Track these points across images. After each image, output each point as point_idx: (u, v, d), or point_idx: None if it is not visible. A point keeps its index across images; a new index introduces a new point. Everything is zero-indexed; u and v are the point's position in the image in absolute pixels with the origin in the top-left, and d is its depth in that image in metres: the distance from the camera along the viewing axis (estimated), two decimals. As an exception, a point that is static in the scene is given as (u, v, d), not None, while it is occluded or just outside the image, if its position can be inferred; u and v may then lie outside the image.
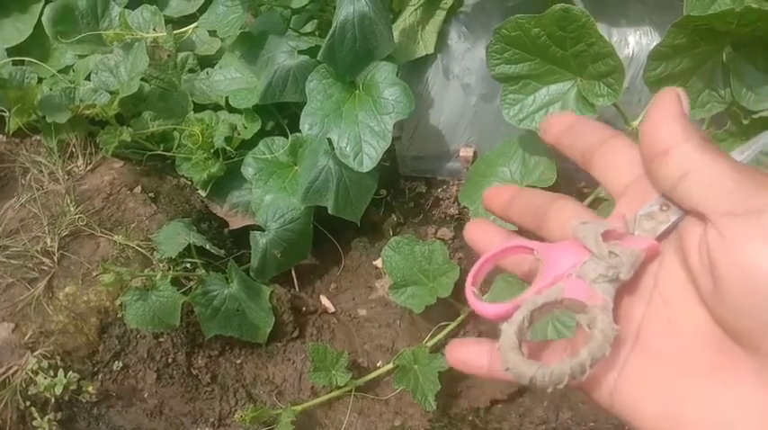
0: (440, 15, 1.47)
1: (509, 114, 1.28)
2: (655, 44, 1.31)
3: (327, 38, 1.35)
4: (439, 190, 1.55)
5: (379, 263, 1.57)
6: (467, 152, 1.48)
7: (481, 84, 1.44)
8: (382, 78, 1.40)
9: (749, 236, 0.30)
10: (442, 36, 1.47)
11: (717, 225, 0.32)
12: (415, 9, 1.49)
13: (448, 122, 1.50)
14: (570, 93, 1.23)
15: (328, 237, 1.60)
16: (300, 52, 1.53)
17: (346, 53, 1.38)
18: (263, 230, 1.46)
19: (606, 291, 0.36)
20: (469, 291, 0.42)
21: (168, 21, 1.84)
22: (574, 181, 1.45)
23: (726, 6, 1.02)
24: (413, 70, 1.51)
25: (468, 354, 0.44)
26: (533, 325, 0.38)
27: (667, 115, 0.36)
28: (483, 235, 0.48)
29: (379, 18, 1.35)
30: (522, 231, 0.46)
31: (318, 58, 1.38)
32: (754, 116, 1.09)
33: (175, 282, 1.37)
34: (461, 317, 1.43)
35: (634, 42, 1.35)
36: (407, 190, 1.57)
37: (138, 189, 1.49)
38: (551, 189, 1.34)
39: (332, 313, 1.52)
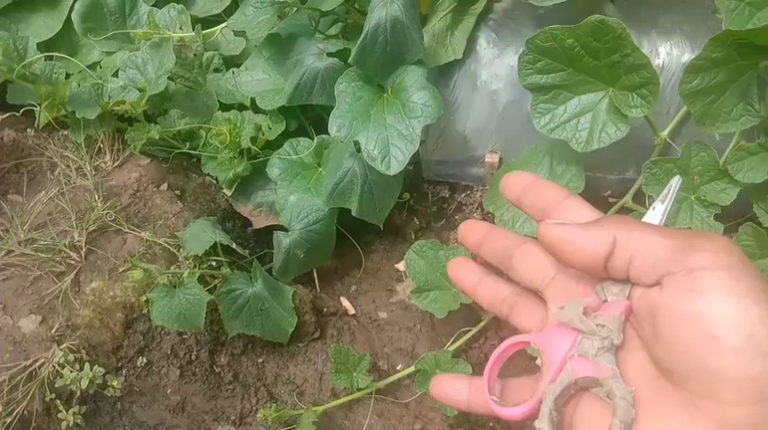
0: (469, 21, 1.47)
1: (540, 124, 1.28)
2: (686, 55, 1.32)
3: (359, 41, 1.36)
4: (462, 195, 1.55)
5: (400, 266, 1.57)
6: (492, 158, 1.48)
7: (509, 90, 1.44)
8: (411, 82, 1.40)
9: (683, 291, 0.36)
10: (470, 42, 1.48)
11: (660, 283, 0.38)
12: (445, 14, 1.50)
13: (474, 128, 1.50)
14: (602, 103, 1.23)
15: (350, 240, 1.61)
16: (329, 55, 1.54)
17: (377, 56, 1.38)
18: (287, 231, 1.47)
19: (609, 361, 0.40)
20: (489, 401, 0.46)
21: (194, 20, 1.85)
22: (599, 189, 1.45)
23: (765, 21, 1.02)
24: (441, 75, 1.51)
25: (449, 389, 0.50)
26: (559, 411, 0.42)
27: (574, 232, 0.43)
28: (462, 273, 0.54)
29: (410, 22, 1.36)
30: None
31: (350, 61, 1.39)
32: (788, 131, 1.09)
33: (201, 280, 1.38)
34: (483, 322, 1.43)
35: (665, 53, 1.35)
36: (431, 194, 1.58)
37: (164, 186, 1.51)
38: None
39: (352, 315, 1.53)
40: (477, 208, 1.54)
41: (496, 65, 1.46)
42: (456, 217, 1.56)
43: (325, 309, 1.51)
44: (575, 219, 0.45)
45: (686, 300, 0.36)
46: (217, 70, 1.81)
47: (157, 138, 1.51)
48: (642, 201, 1.30)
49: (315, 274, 1.55)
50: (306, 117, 1.70)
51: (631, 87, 1.17)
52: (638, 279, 0.40)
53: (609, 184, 1.42)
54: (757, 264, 1.16)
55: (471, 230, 0.54)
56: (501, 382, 0.48)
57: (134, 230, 1.43)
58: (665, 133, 1.29)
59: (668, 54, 1.35)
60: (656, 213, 0.50)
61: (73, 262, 1.39)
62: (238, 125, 1.60)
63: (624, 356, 0.41)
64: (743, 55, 1.04)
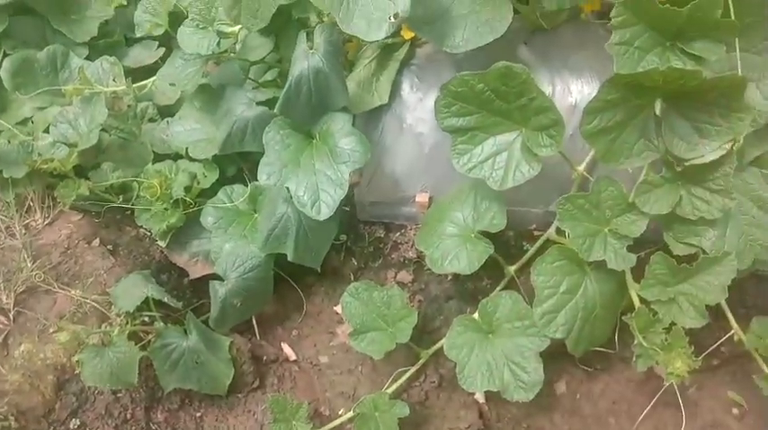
0: (393, 67, 1.52)
1: (459, 164, 1.33)
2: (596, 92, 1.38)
3: (284, 92, 1.39)
4: (397, 234, 1.58)
5: (339, 308, 1.58)
6: (422, 198, 1.52)
7: (434, 132, 1.48)
8: (338, 128, 1.44)
9: None
10: (395, 86, 1.52)
11: None
12: (369, 61, 1.55)
13: (403, 169, 1.54)
14: (516, 143, 1.28)
15: (290, 283, 1.61)
16: (258, 103, 1.57)
17: (303, 106, 1.42)
18: (223, 280, 1.46)
19: None
20: None
21: (128, 71, 1.86)
22: (525, 223, 1.49)
23: (653, 64, 1.09)
24: (369, 120, 1.55)
25: None
26: None
27: None
28: None
29: (333, 72, 1.40)
30: None
31: (275, 111, 1.42)
32: (687, 164, 1.15)
33: (133, 336, 1.37)
34: (422, 360, 1.44)
35: (577, 91, 1.41)
36: (367, 235, 1.60)
37: (96, 242, 1.49)
38: (501, 233, 1.37)
39: (293, 361, 1.52)
40: (411, 246, 1.56)
41: (420, 108, 1.51)
42: (392, 256, 1.58)
43: (264, 357, 1.50)
44: None
45: None
46: (152, 120, 1.82)
47: (88, 193, 1.50)
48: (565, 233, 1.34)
49: (254, 321, 1.55)
50: (244, 161, 1.71)
51: (540, 128, 1.22)
52: None
53: (534, 218, 1.47)
54: (670, 291, 1.21)
55: None
56: None
57: (64, 289, 1.41)
58: (581, 167, 1.34)
59: (580, 92, 1.41)
60: None
61: (1, 325, 1.36)
62: (171, 175, 1.60)
63: None
64: (638, 95, 1.10)
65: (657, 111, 1.12)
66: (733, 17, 1.05)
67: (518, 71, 1.19)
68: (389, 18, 1.22)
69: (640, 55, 1.09)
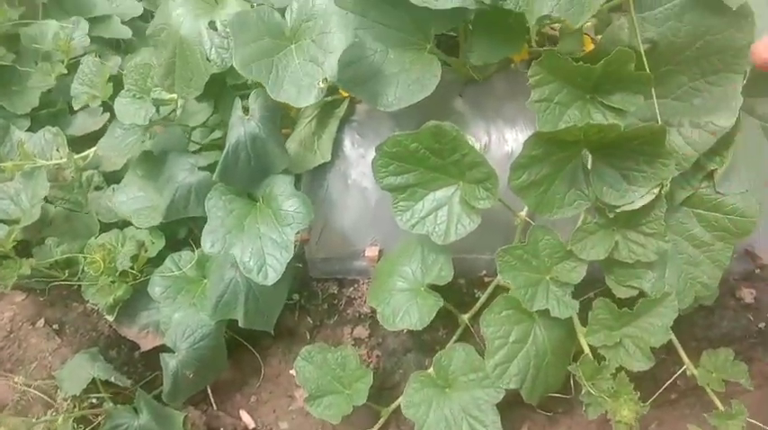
0: (333, 124, 1.53)
1: (402, 220, 1.33)
2: (531, 140, 1.40)
3: (222, 159, 1.39)
4: (350, 289, 1.57)
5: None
6: (372, 252, 1.51)
7: (378, 186, 1.48)
8: (281, 191, 1.43)
9: None
10: (337, 143, 1.53)
11: None
12: (310, 120, 1.56)
13: (352, 224, 1.54)
14: (455, 197, 1.29)
15: (246, 346, 1.58)
16: (201, 168, 1.56)
17: (242, 172, 1.41)
18: (174, 351, 1.43)
19: None
20: None
21: (73, 139, 1.84)
22: (475, 270, 1.49)
23: (575, 118, 1.11)
24: (314, 177, 1.55)
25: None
26: None
27: None
28: None
29: (270, 137, 1.40)
30: None
31: (214, 179, 1.41)
32: (617, 211, 1.17)
33: (82, 420, 1.32)
34: (382, 420, 1.42)
35: (512, 139, 1.44)
36: (320, 292, 1.59)
37: (41, 322, 1.45)
38: (452, 281, 1.37)
39: (252, 429, 1.49)
40: (365, 301, 1.55)
41: (363, 164, 1.52)
42: (347, 312, 1.57)
43: (221, 429, 1.46)
44: None
45: None
46: (98, 188, 1.80)
47: (30, 273, 1.47)
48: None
49: (209, 391, 1.51)
50: (194, 222, 1.69)
51: (476, 181, 1.23)
52: None
53: (483, 265, 1.47)
54: (615, 334, 1.21)
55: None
56: None
57: (7, 376, 1.37)
58: (523, 213, 1.35)
59: (515, 140, 1.44)
60: None
61: (-61, 420, 1.31)
62: (117, 245, 1.57)
63: None
64: (562, 148, 1.12)
65: (588, 164, 1.15)
66: (647, 69, 1.09)
67: (448, 129, 1.20)
68: (318, 83, 1.24)
69: (561, 110, 1.12)
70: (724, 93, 1.11)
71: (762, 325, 1.46)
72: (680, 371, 1.33)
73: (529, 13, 1.06)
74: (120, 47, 2.33)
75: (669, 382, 1.38)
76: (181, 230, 1.72)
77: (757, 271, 1.46)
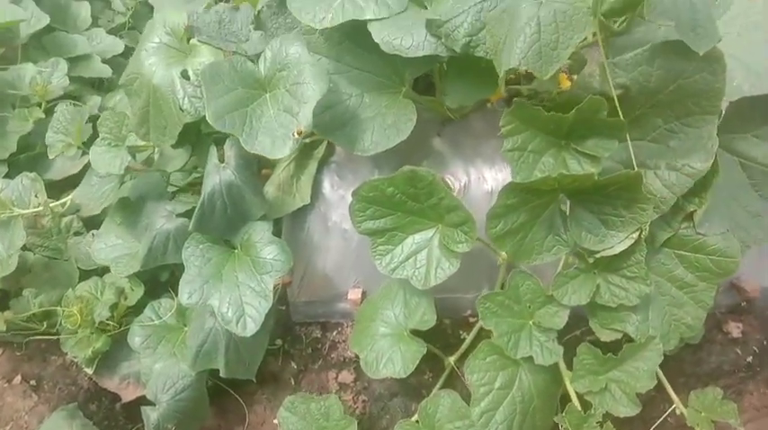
0: (312, 167, 1.52)
1: (381, 265, 1.31)
2: (510, 178, 1.39)
3: (197, 208, 1.37)
4: (334, 333, 1.55)
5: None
6: (355, 294, 1.49)
7: (358, 229, 1.47)
8: (259, 238, 1.41)
9: None
10: (316, 185, 1.51)
11: None
12: (288, 163, 1.54)
13: (333, 266, 1.52)
14: (434, 239, 1.27)
15: (230, 394, 1.55)
16: (178, 215, 1.54)
17: (218, 220, 1.39)
18: (155, 404, 1.40)
19: None
20: None
21: (51, 183, 1.82)
22: (459, 310, 1.47)
23: (549, 166, 1.10)
24: (294, 220, 1.53)
25: None
26: None
27: None
28: None
29: (246, 184, 1.38)
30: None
31: (190, 229, 1.39)
32: (597, 256, 1.16)
33: (59, 480, 1.28)
34: (368, 468, 1.39)
35: (491, 178, 1.43)
36: (304, 336, 1.56)
37: (17, 379, 1.42)
38: (437, 322, 1.35)
39: (237, 482, 1.45)
40: (349, 345, 1.53)
41: (343, 205, 1.50)
42: (332, 356, 1.54)
43: (205, 483, 1.43)
44: None
45: None
46: (77, 233, 1.77)
47: (5, 330, 1.44)
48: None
49: (192, 443, 1.48)
50: (177, 266, 1.67)
51: (454, 225, 1.22)
52: None
53: (467, 304, 1.45)
54: (601, 379, 1.19)
55: None
56: None
57: (-18, 437, 1.33)
58: (504, 253, 1.33)
59: (494, 179, 1.42)
60: None
61: None
62: (97, 294, 1.55)
63: None
64: (538, 196, 1.11)
65: (566, 210, 1.13)
66: (621, 114, 1.08)
67: (423, 174, 1.19)
68: (293, 134, 1.22)
69: (535, 158, 1.11)
70: (699, 134, 1.10)
71: (750, 358, 1.44)
72: (669, 411, 1.31)
73: (497, 63, 1.05)
74: (102, 85, 2.33)
75: (660, 420, 1.36)
76: (162, 274, 1.70)
77: (743, 304, 1.44)
